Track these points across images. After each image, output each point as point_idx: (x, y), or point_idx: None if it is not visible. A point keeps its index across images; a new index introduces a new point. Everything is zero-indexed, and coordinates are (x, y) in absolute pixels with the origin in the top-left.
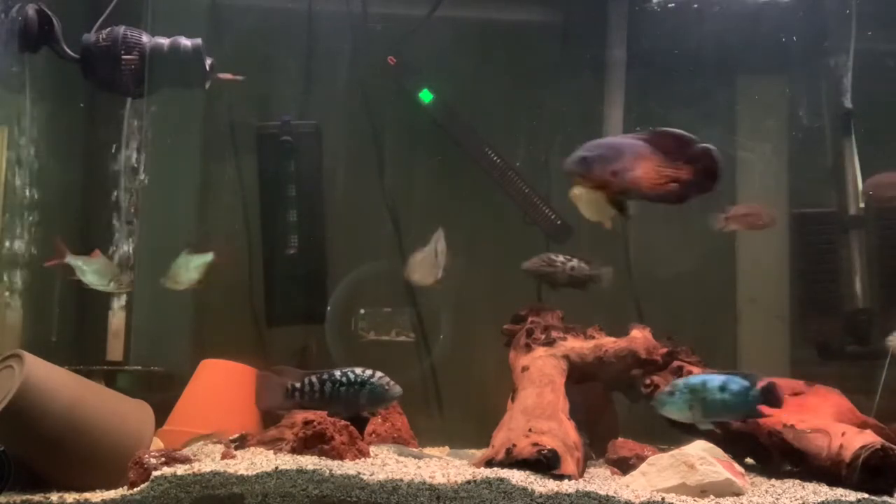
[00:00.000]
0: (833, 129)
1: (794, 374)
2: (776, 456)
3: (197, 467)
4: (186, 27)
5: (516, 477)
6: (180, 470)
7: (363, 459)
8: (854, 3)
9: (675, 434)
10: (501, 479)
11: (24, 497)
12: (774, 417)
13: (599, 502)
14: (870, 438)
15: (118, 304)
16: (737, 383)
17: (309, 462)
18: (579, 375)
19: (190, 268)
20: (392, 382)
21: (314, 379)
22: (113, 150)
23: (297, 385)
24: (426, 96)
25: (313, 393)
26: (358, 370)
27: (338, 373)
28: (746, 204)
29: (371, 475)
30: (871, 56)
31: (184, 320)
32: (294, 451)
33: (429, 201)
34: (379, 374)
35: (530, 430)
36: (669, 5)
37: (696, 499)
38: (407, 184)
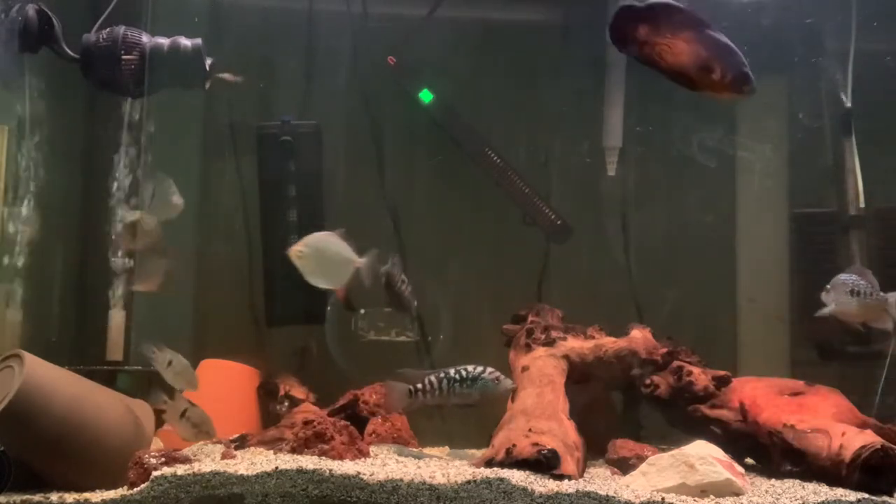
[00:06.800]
0: (833, 128)
1: (794, 374)
2: (776, 456)
3: (197, 467)
4: (186, 27)
5: (516, 477)
6: (180, 470)
7: (363, 459)
8: (854, 2)
9: (675, 434)
10: (501, 479)
11: (24, 497)
12: (774, 417)
13: (599, 502)
14: (870, 438)
15: (118, 304)
16: None
17: (309, 462)
18: (579, 375)
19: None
20: (502, 376)
21: (432, 378)
22: (112, 151)
23: (419, 386)
24: (426, 96)
25: (433, 391)
26: (470, 367)
27: (452, 370)
28: None
29: (371, 475)
30: (871, 55)
31: (184, 320)
32: (294, 451)
33: (429, 201)
34: (490, 369)
35: (530, 429)
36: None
37: (696, 499)
38: (407, 184)
